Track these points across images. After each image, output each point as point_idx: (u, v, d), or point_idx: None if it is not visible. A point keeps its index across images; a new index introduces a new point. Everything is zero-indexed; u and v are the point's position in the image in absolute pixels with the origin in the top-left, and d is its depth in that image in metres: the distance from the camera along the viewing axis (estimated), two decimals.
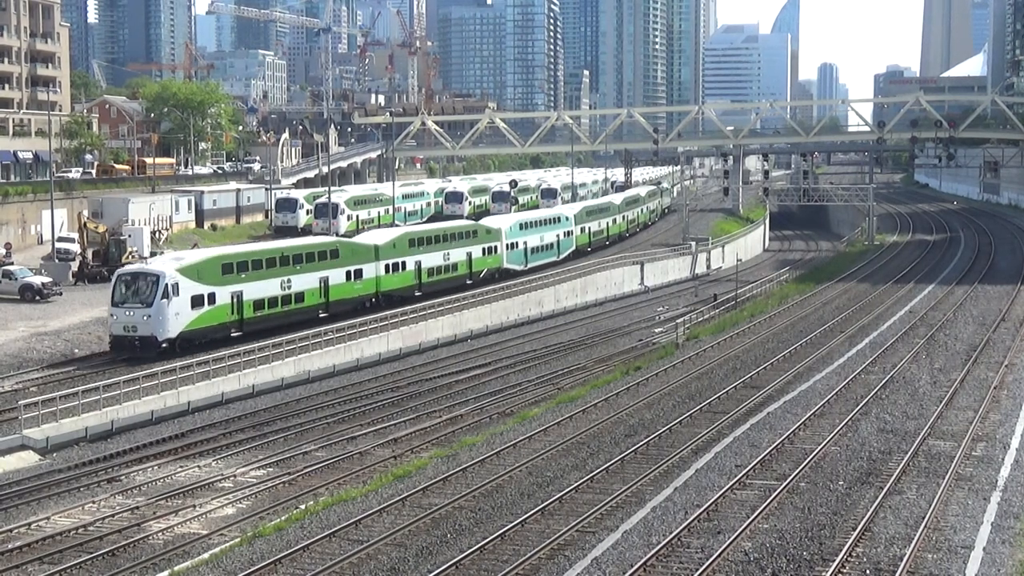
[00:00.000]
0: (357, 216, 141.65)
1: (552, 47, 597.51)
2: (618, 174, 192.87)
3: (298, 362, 71.73)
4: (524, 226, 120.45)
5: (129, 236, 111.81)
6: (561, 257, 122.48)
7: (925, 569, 35.52)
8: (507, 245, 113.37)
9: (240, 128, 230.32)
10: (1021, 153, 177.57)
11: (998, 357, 72.42)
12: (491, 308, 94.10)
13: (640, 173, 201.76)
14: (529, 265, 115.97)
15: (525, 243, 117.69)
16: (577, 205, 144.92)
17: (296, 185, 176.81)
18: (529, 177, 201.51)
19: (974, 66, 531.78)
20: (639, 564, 35.59)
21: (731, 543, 37.62)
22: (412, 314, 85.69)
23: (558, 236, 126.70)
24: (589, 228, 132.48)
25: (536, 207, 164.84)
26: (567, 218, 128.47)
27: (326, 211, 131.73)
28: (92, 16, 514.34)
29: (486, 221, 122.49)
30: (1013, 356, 72.67)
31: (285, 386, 69.03)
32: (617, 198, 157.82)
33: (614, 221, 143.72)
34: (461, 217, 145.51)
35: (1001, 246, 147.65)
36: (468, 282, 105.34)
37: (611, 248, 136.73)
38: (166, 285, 71.60)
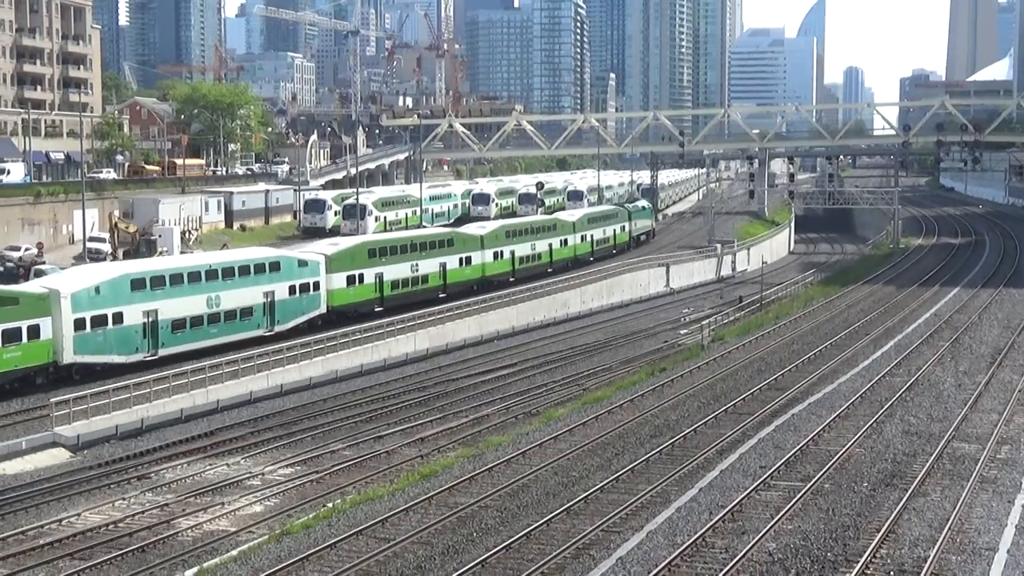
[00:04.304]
0: (385, 217, 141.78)
1: (579, 50, 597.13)
2: (644, 176, 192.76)
3: (326, 361, 71.97)
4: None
5: (159, 236, 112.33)
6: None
7: (949, 571, 35.47)
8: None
9: (269, 130, 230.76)
10: None
11: (1023, 360, 72.28)
12: (517, 309, 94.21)
13: (666, 176, 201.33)
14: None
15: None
16: (580, 213, 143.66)
17: (324, 186, 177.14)
18: (555, 179, 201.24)
19: (1000, 70, 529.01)
20: (664, 564, 35.60)
21: (755, 544, 37.61)
22: (438, 315, 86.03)
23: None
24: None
25: (563, 208, 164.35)
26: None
27: (354, 212, 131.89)
28: (123, 18, 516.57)
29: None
30: None
31: (313, 385, 69.19)
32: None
33: (622, 229, 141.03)
34: (488, 218, 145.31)
35: None
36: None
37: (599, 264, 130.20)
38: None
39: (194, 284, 70.84)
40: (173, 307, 68.99)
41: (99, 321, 64.20)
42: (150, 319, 67.46)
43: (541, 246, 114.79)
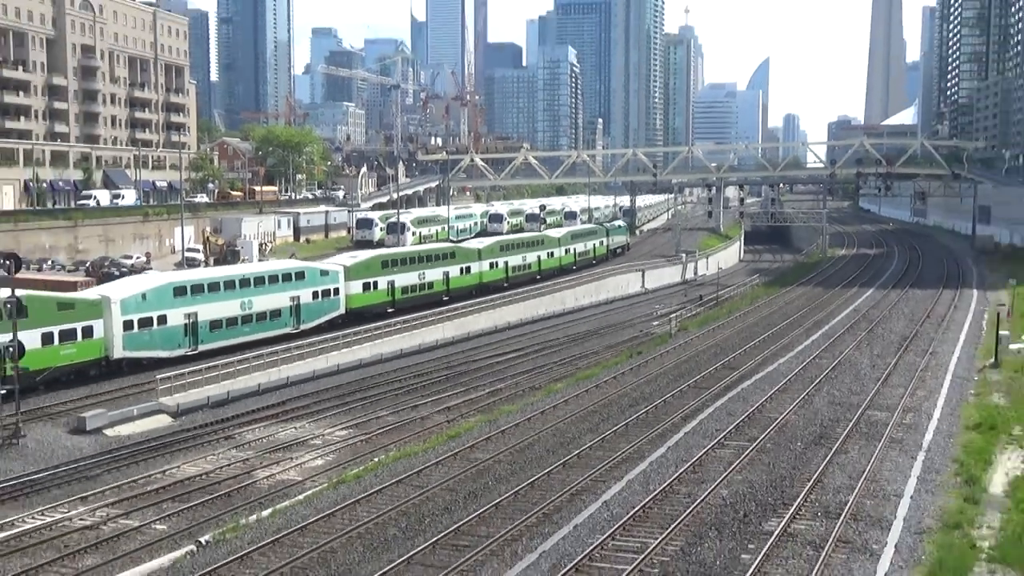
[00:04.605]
0: (420, 232, 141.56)
1: (573, 100, 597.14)
2: (625, 200, 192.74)
3: (373, 346, 72.01)
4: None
5: (242, 247, 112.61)
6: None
7: (864, 513, 35.52)
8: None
9: (328, 163, 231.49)
10: (944, 185, 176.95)
11: (924, 346, 72.37)
12: (524, 305, 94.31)
13: (642, 199, 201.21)
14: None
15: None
16: (564, 230, 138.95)
17: (372, 208, 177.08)
18: (555, 202, 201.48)
19: (907, 116, 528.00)
20: (639, 506, 35.79)
21: (712, 490, 37.76)
22: (461, 310, 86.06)
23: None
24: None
25: (560, 226, 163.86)
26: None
27: (396, 228, 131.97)
28: (214, 75, 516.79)
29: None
30: (936, 346, 72.62)
31: (362, 365, 69.23)
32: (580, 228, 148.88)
33: (601, 244, 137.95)
34: (501, 233, 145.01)
35: (927, 258, 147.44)
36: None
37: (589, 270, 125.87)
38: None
39: (229, 291, 68.77)
40: (211, 310, 66.80)
41: (145, 323, 62.23)
42: (190, 320, 65.29)
43: (531, 257, 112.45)
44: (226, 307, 67.58)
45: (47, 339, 55.75)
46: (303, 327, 74.45)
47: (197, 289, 66.63)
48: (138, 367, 61.58)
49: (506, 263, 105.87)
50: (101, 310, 59.62)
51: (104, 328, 59.54)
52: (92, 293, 60.92)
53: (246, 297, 69.76)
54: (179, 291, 65.27)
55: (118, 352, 60.59)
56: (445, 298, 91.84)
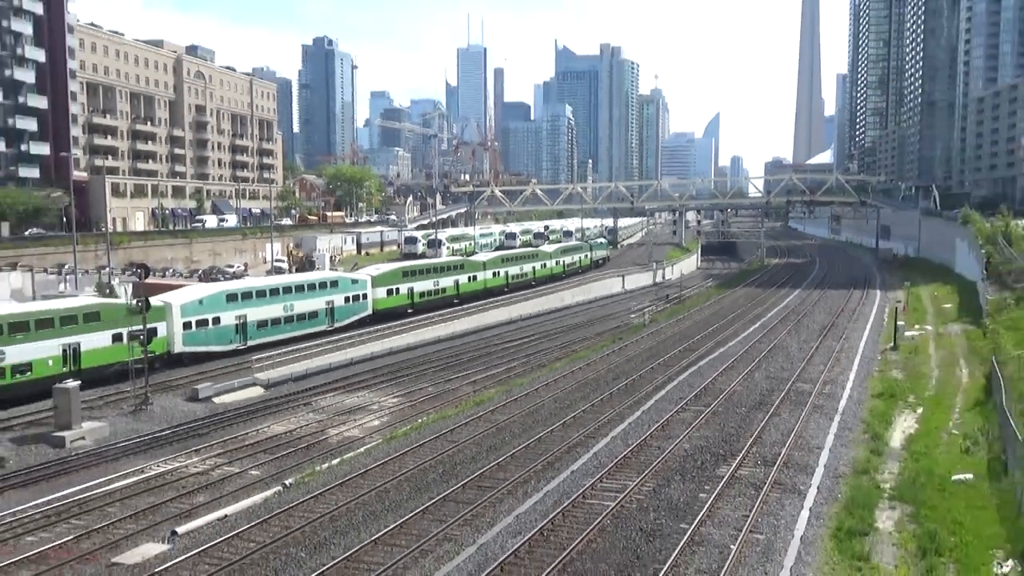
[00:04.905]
0: (452, 247, 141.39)
1: (570, 145, 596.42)
2: (610, 222, 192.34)
3: (416, 334, 72.02)
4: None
5: (316, 259, 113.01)
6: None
7: (794, 461, 35.44)
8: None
9: (383, 194, 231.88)
10: (853, 210, 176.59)
11: (838, 333, 72.17)
12: (532, 303, 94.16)
13: (623, 221, 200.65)
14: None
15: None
16: (555, 245, 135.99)
17: (416, 228, 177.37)
18: (556, 224, 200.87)
19: (826, 157, 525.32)
20: (621, 456, 35.75)
21: (676, 444, 37.69)
22: (483, 306, 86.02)
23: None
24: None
25: (559, 242, 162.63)
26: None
27: (434, 244, 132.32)
28: (295, 127, 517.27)
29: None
30: (848, 333, 72.38)
31: (408, 349, 69.23)
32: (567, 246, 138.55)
33: (586, 257, 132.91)
34: (515, 248, 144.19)
35: (841, 266, 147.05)
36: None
37: (582, 275, 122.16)
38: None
39: (273, 296, 65.87)
40: (258, 312, 63.88)
41: (202, 323, 59.44)
42: (240, 321, 62.45)
43: (527, 268, 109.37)
44: (271, 310, 65.49)
45: (116, 338, 53.34)
46: (337, 325, 71.79)
47: (246, 296, 63.85)
48: (196, 360, 59.41)
49: (506, 272, 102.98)
50: (164, 314, 57.12)
51: (167, 329, 57.16)
52: (156, 300, 58.62)
53: (288, 302, 67.15)
54: (231, 297, 62.65)
55: (178, 347, 58.14)
56: (456, 301, 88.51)
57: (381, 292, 78.53)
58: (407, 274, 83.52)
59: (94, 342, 51.93)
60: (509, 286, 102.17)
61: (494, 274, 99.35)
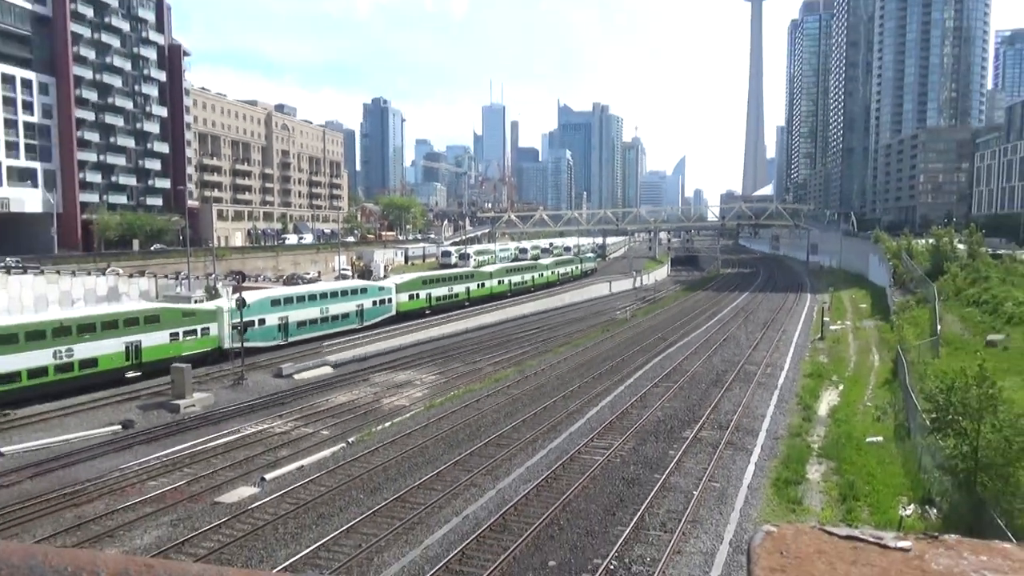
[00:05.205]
0: (478, 259, 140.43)
1: (569, 180, 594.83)
2: (600, 240, 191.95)
3: (453, 325, 71.69)
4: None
5: (373, 268, 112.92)
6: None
7: (743, 426, 35.09)
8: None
9: (424, 218, 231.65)
10: (790, 231, 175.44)
11: (778, 327, 71.49)
12: (542, 302, 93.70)
13: (611, 239, 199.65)
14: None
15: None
16: (552, 258, 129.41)
17: (451, 244, 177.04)
18: (558, 241, 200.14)
19: (768, 190, 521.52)
20: (607, 421, 35.47)
21: (651, 412, 37.37)
22: (504, 304, 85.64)
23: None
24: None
25: (561, 255, 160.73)
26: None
27: (464, 256, 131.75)
28: (358, 167, 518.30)
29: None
30: (785, 326, 71.70)
31: (443, 337, 68.70)
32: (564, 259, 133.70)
33: (576, 268, 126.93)
34: (526, 260, 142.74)
35: (779, 275, 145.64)
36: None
37: (577, 282, 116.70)
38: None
39: (312, 301, 61.48)
40: (298, 314, 59.44)
41: (249, 324, 54.74)
42: (283, 321, 58.30)
43: (528, 277, 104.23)
44: (309, 312, 61.77)
45: (174, 336, 49.57)
46: (365, 324, 67.28)
47: (288, 300, 59.46)
48: (245, 354, 53.91)
49: (510, 281, 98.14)
50: (215, 316, 52.79)
51: (218, 328, 52.84)
52: (210, 304, 54.73)
53: (324, 305, 62.83)
54: (275, 302, 58.36)
55: (227, 344, 53.30)
56: (467, 304, 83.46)
57: (404, 296, 74.35)
58: (426, 282, 79.16)
59: (155, 339, 48.36)
60: (512, 292, 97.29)
61: (499, 282, 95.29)
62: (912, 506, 24.95)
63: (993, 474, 22.36)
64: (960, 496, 23.18)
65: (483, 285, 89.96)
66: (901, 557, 1.06)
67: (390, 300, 71.79)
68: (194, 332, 51.00)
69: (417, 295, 76.52)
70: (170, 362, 47.22)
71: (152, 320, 48.50)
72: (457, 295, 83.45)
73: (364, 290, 68.92)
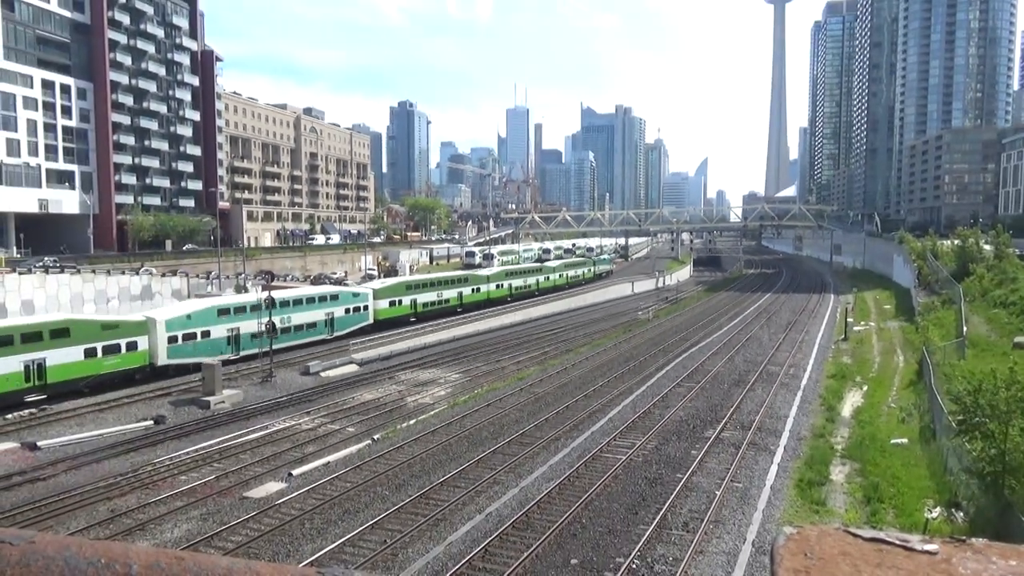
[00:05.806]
0: (502, 259, 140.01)
1: (592, 182, 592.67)
2: (623, 241, 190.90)
3: (473, 325, 71.58)
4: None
5: (399, 267, 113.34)
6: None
7: (765, 427, 34.69)
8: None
9: (449, 219, 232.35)
10: (813, 232, 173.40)
11: (801, 328, 70.70)
12: (562, 302, 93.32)
13: (633, 240, 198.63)
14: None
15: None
16: (559, 261, 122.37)
17: (475, 245, 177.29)
18: (581, 242, 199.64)
19: (791, 191, 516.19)
20: (629, 421, 35.23)
21: (673, 412, 37.07)
22: (526, 304, 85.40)
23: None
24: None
25: (583, 257, 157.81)
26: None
27: (488, 257, 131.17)
28: (384, 168, 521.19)
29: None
30: (808, 327, 70.90)
31: (466, 336, 68.54)
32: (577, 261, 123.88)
33: (589, 270, 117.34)
34: (550, 260, 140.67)
35: (802, 276, 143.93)
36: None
37: (590, 284, 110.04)
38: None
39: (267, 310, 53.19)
40: (249, 326, 51.84)
41: (189, 336, 47.49)
42: (233, 333, 50.71)
43: (531, 280, 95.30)
44: (431, 296, 52.13)
45: (90, 353, 42.23)
46: (336, 334, 60.10)
47: (239, 310, 51.76)
48: (183, 371, 46.98)
49: (510, 284, 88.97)
50: (146, 328, 45.42)
51: (149, 342, 45.34)
52: (138, 315, 47.80)
53: (284, 315, 55.08)
54: (223, 312, 50.57)
55: (163, 360, 46.19)
56: (459, 310, 76.06)
57: (383, 303, 66.44)
58: (410, 287, 71.09)
59: (63, 357, 40.92)
60: (512, 296, 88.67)
61: (497, 286, 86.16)
62: (938, 509, 24.43)
63: (1021, 477, 21.84)
64: (987, 499, 22.67)
65: (478, 290, 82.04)
66: (928, 560, 1.04)
67: (366, 308, 64.15)
68: (116, 348, 43.59)
69: (399, 301, 68.81)
70: (84, 382, 41.73)
71: (60, 334, 40.80)
72: (448, 301, 75.55)
73: (335, 297, 61.42)
